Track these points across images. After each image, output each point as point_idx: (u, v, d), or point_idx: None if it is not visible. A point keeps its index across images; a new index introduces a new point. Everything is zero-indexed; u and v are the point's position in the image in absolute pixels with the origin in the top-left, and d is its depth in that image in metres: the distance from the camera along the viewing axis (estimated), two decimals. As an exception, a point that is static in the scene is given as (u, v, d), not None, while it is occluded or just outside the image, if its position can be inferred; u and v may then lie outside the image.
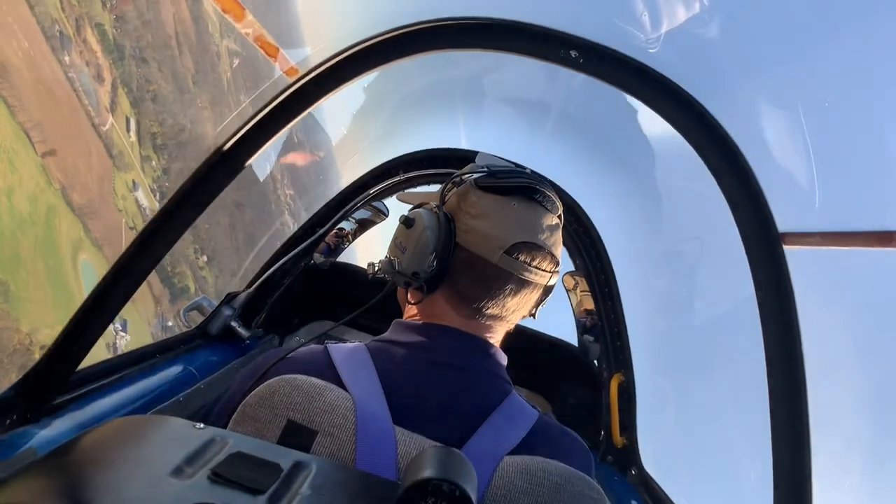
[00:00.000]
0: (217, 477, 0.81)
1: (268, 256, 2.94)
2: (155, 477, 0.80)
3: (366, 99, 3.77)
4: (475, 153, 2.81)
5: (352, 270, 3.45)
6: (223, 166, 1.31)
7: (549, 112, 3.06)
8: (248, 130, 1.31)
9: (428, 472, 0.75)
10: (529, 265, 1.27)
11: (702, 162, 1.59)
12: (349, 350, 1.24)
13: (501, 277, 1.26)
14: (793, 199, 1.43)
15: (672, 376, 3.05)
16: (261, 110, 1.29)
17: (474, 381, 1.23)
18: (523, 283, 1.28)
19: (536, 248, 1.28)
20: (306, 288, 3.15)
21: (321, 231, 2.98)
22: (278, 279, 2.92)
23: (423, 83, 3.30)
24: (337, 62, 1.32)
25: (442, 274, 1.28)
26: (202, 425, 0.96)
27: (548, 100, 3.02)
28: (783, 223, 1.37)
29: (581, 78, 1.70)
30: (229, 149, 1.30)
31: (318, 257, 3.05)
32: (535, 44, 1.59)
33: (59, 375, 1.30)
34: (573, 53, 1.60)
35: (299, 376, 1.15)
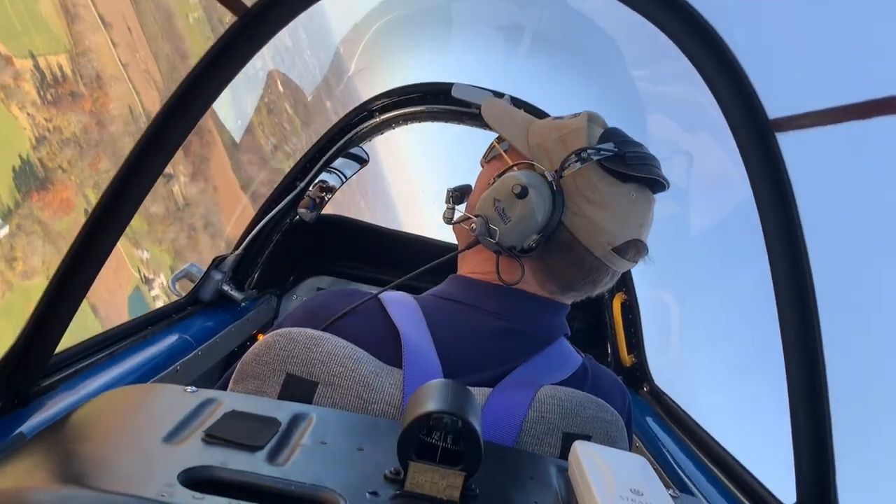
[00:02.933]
0: (212, 438, 0.78)
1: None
2: (148, 445, 0.77)
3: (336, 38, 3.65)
4: (450, 85, 2.74)
5: (340, 221, 3.39)
6: (180, 114, 1.23)
7: (523, 33, 2.96)
8: (201, 72, 1.22)
9: (430, 406, 0.71)
10: (631, 261, 1.22)
11: (686, 62, 1.51)
12: (403, 304, 1.19)
13: (601, 270, 1.21)
14: (781, 84, 1.37)
15: (675, 290, 3.04)
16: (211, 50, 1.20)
17: (536, 341, 1.21)
18: (616, 275, 1.25)
19: (642, 245, 1.22)
20: (296, 244, 3.10)
21: (302, 185, 2.90)
22: (265, 237, 2.86)
23: (389, 19, 3.18)
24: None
25: (537, 247, 1.19)
26: (194, 388, 0.93)
27: (520, 21, 2.91)
28: (774, 111, 1.31)
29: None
30: (182, 96, 1.22)
31: (303, 212, 2.98)
32: None
33: (39, 356, 1.25)
34: None
35: (294, 329, 1.12)
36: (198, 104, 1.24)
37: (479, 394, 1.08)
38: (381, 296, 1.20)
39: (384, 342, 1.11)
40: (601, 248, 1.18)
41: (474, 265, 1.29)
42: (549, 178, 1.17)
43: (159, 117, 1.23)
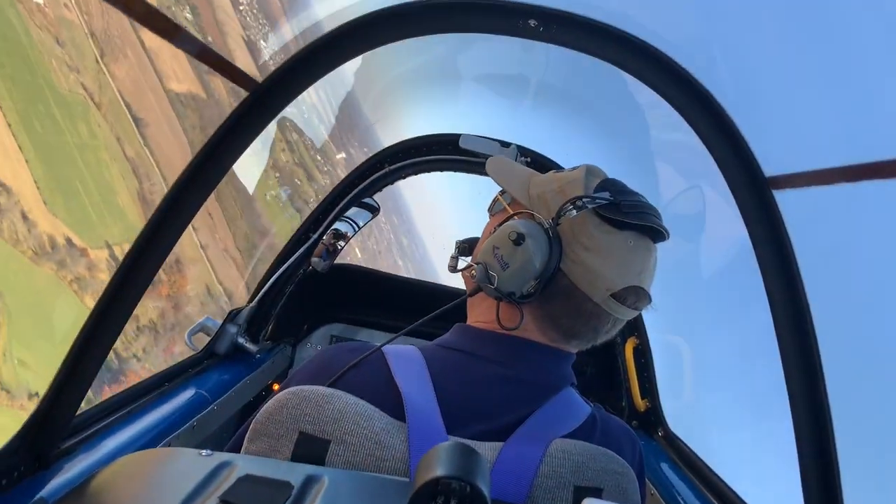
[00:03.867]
0: None
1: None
2: None
3: (343, 99, 3.75)
4: (458, 136, 2.79)
5: (352, 270, 3.43)
6: (203, 174, 1.28)
7: (529, 84, 3.03)
8: (222, 137, 1.28)
9: (438, 471, 0.73)
10: (632, 308, 1.22)
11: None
12: (406, 357, 1.21)
13: (601, 317, 1.22)
14: (779, 143, 1.40)
15: (686, 334, 3.03)
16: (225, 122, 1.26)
17: (542, 391, 1.21)
18: (619, 322, 1.24)
19: (643, 293, 1.22)
20: (310, 293, 3.13)
21: (315, 235, 2.95)
22: (280, 289, 2.90)
23: (394, 75, 3.27)
24: (291, 64, 1.28)
25: (537, 294, 1.21)
26: (209, 452, 0.95)
27: (525, 73, 2.98)
28: (770, 169, 1.34)
29: (556, 47, 1.66)
30: (205, 159, 1.27)
31: (316, 261, 3.02)
32: (492, 18, 1.54)
33: (61, 418, 1.28)
34: (532, 23, 1.55)
35: (307, 387, 1.14)
36: (214, 172, 1.29)
37: (491, 449, 1.09)
38: (385, 349, 1.22)
39: (388, 396, 1.13)
40: (599, 294, 1.19)
41: (478, 314, 1.32)
42: (546, 226, 1.20)
43: (178, 184, 1.28)
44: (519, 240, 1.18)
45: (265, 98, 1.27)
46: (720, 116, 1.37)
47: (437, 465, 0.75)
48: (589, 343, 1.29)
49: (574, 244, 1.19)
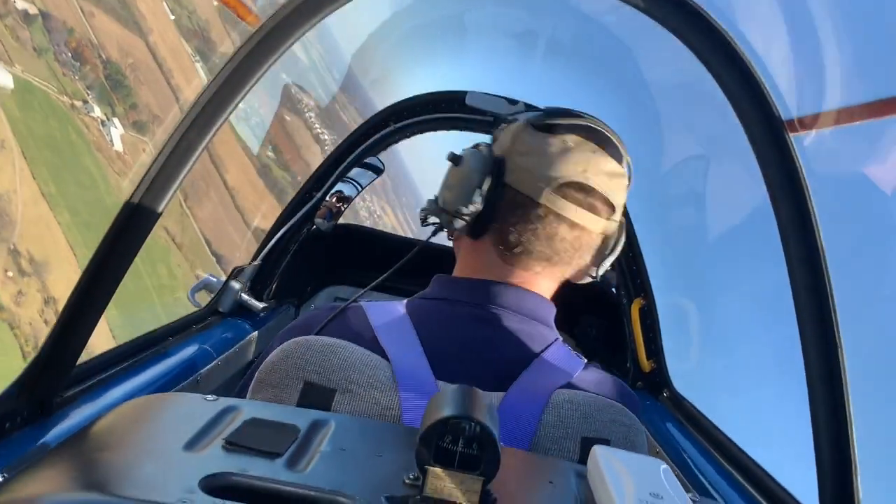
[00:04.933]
0: (232, 445, 0.79)
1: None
2: (168, 452, 0.78)
3: (354, 52, 3.68)
4: (464, 93, 2.74)
5: (356, 231, 3.40)
6: (200, 123, 1.24)
7: (537, 40, 2.97)
8: (225, 79, 1.24)
9: (446, 411, 0.71)
10: (578, 206, 1.18)
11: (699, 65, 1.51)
12: (386, 310, 1.21)
13: (547, 218, 1.18)
14: (794, 85, 1.36)
15: (693, 295, 3.02)
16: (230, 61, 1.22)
17: (520, 333, 1.20)
18: (572, 225, 1.19)
19: (587, 188, 1.18)
20: (314, 254, 3.11)
21: (319, 195, 2.92)
22: (283, 247, 2.88)
23: (403, 30, 3.20)
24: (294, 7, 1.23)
25: (488, 215, 1.20)
26: (214, 397, 0.94)
27: (534, 28, 2.93)
28: (788, 111, 1.30)
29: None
30: (206, 104, 1.24)
31: (320, 222, 3.00)
32: None
33: (62, 365, 1.27)
34: None
35: (311, 337, 1.13)
36: (229, 99, 1.26)
37: (495, 398, 1.08)
38: (365, 305, 1.23)
39: (374, 350, 1.13)
40: (540, 191, 1.17)
41: (457, 265, 1.34)
42: (483, 146, 1.25)
43: (192, 114, 1.25)
44: (456, 160, 1.25)
45: (273, 33, 1.23)
46: (736, 57, 1.32)
47: (447, 405, 0.73)
48: (548, 262, 1.23)
49: (512, 155, 1.21)
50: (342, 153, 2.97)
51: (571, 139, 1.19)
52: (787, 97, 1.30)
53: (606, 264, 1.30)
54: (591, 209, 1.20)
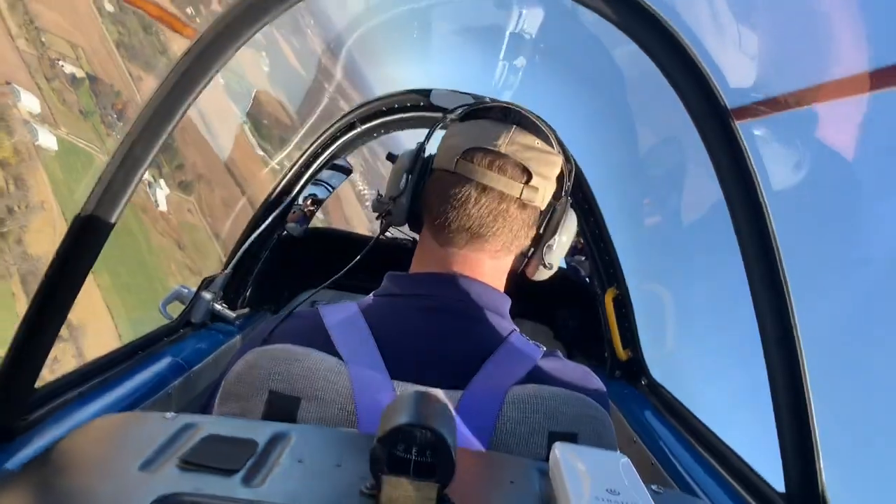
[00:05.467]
0: (186, 464, 0.78)
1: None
2: (123, 474, 0.77)
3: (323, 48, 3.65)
4: (430, 91, 2.73)
5: (329, 234, 3.38)
6: (148, 132, 1.22)
7: (502, 36, 2.97)
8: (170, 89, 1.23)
9: (399, 419, 0.71)
10: (488, 169, 1.21)
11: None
12: (340, 310, 1.21)
13: (460, 183, 1.22)
14: (738, 77, 1.38)
15: (665, 281, 3.04)
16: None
17: (472, 324, 1.20)
18: (484, 190, 1.21)
19: (495, 153, 1.22)
20: (288, 259, 3.09)
21: (289, 199, 2.90)
22: (254, 254, 2.85)
23: (366, 29, 3.19)
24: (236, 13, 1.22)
25: (418, 204, 1.30)
26: (172, 414, 0.93)
27: (499, 23, 2.92)
28: (735, 100, 1.31)
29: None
30: (157, 108, 1.22)
31: (292, 227, 2.97)
32: None
33: (19, 389, 1.25)
34: None
35: (276, 345, 1.13)
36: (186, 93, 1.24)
37: (451, 398, 1.07)
38: (320, 307, 1.23)
39: (328, 352, 1.13)
40: (451, 161, 1.24)
41: (412, 263, 1.35)
42: (417, 144, 1.35)
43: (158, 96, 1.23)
44: (392, 157, 1.37)
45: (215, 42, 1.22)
46: (680, 49, 1.34)
47: (399, 413, 0.73)
48: (477, 236, 1.24)
49: (440, 145, 1.31)
50: (311, 157, 2.95)
51: (489, 120, 1.27)
52: (733, 86, 1.31)
53: (556, 249, 1.32)
54: (501, 171, 1.22)
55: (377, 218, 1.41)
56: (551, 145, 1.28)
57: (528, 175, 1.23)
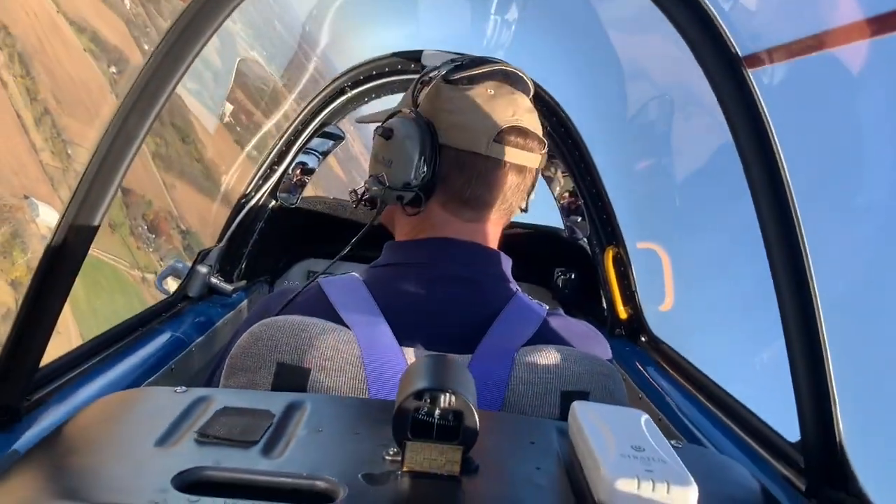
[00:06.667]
0: (204, 437, 0.76)
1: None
2: (139, 451, 0.75)
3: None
4: (420, 52, 2.68)
5: (322, 202, 3.35)
6: (144, 100, 1.19)
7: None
8: (163, 58, 1.19)
9: (419, 384, 0.70)
10: (521, 149, 1.21)
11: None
12: (343, 283, 1.20)
13: (497, 167, 1.21)
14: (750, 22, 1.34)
15: (664, 238, 3.03)
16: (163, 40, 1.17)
17: (476, 287, 1.20)
18: (518, 169, 1.23)
19: (523, 130, 1.22)
20: (282, 229, 3.06)
21: (280, 169, 2.86)
22: (248, 226, 2.82)
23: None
24: None
25: (433, 179, 1.20)
26: (184, 388, 0.92)
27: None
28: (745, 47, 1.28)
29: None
30: (156, 71, 1.19)
31: (285, 197, 2.94)
32: None
33: (23, 369, 1.23)
34: None
35: (280, 317, 1.11)
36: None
37: (463, 361, 1.08)
38: (322, 281, 1.21)
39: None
40: (483, 144, 1.19)
41: (398, 230, 1.34)
42: (408, 111, 1.23)
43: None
44: (387, 133, 1.23)
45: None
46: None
47: (420, 377, 0.72)
48: (502, 212, 1.27)
49: (439, 114, 1.21)
50: (301, 125, 2.90)
51: (491, 86, 1.22)
52: (743, 33, 1.28)
53: (532, 196, 1.34)
54: (529, 149, 1.24)
55: (362, 205, 1.36)
56: (531, 97, 1.29)
57: (544, 144, 1.27)
